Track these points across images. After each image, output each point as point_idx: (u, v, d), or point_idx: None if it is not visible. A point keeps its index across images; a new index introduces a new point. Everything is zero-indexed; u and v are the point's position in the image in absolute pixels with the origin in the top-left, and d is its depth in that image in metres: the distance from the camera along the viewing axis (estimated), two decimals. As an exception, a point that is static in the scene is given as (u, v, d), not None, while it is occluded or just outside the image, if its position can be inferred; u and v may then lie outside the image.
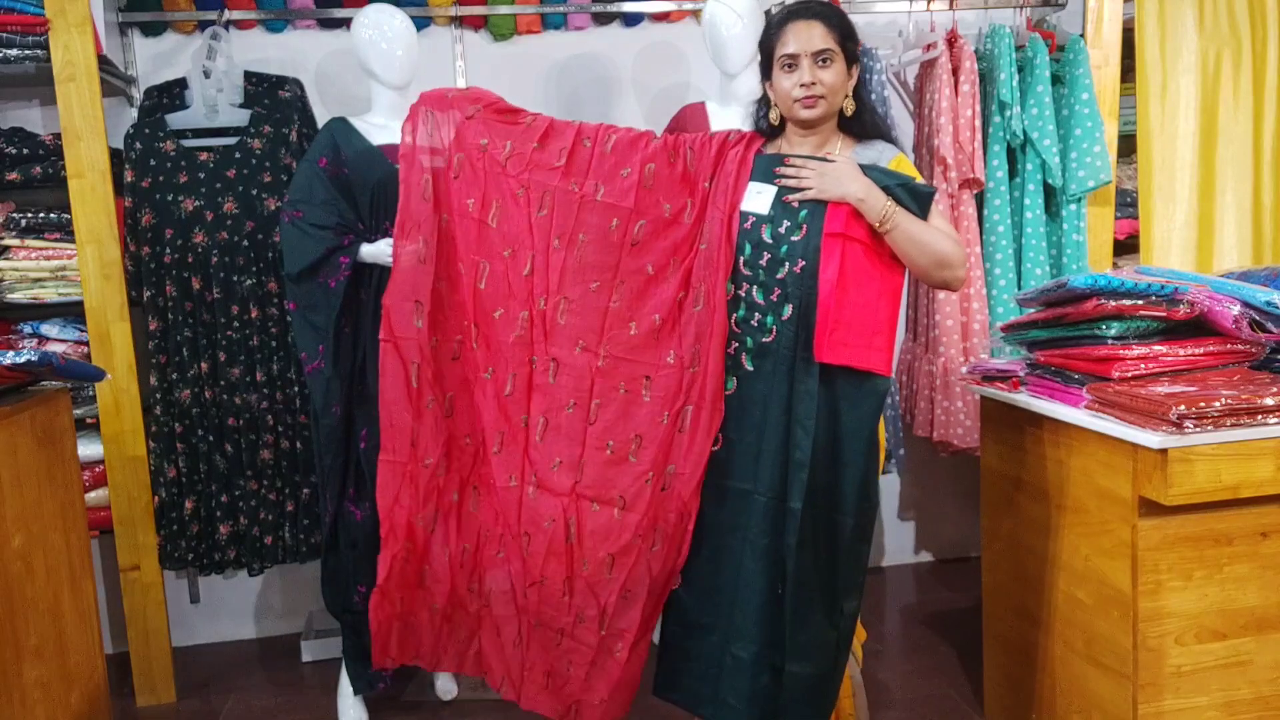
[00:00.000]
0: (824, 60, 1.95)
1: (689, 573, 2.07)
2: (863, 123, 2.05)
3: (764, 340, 1.97)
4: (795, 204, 1.95)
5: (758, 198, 1.99)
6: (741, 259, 1.99)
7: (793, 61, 1.96)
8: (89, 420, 2.77)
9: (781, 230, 1.95)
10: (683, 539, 2.05)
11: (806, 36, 1.94)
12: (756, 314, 1.98)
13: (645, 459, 2.03)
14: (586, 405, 2.06)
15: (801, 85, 1.95)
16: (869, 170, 1.94)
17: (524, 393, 2.09)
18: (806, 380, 1.93)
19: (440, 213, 2.10)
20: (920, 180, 1.98)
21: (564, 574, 2.06)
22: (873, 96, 2.90)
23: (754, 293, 1.98)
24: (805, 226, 1.94)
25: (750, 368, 1.99)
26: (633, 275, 2.06)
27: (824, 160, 1.96)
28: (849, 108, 2.02)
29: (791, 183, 1.96)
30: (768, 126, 2.07)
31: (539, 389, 2.09)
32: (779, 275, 1.95)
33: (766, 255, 1.96)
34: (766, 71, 2.04)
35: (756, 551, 1.98)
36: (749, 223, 1.99)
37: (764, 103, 2.09)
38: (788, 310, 1.94)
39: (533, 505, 2.08)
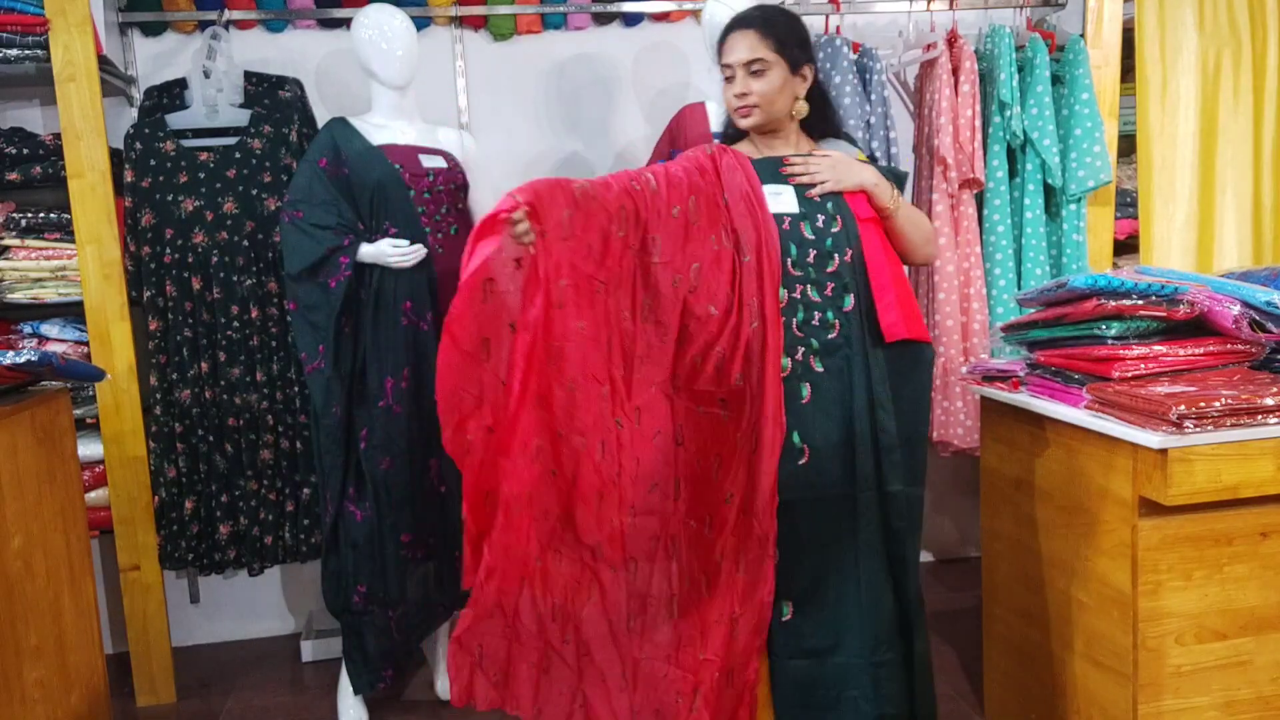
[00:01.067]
0: (756, 70, 1.98)
1: (798, 598, 1.98)
2: (821, 123, 2.11)
3: (830, 338, 1.95)
4: (817, 198, 1.99)
5: (778, 199, 1.98)
6: (789, 261, 1.96)
7: (730, 72, 2.01)
8: (89, 420, 2.77)
9: (820, 224, 1.97)
10: (762, 569, 1.95)
11: (739, 47, 1.99)
12: (816, 313, 1.96)
13: (725, 479, 1.96)
14: (671, 430, 1.98)
15: (736, 96, 2.00)
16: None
17: (615, 450, 1.97)
18: (879, 364, 1.96)
19: (528, 391, 1.81)
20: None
21: (668, 593, 2.00)
22: (872, 97, 2.90)
23: (809, 292, 1.96)
24: (839, 217, 1.98)
25: (821, 369, 1.95)
26: (697, 320, 1.94)
27: (818, 155, 2.02)
28: (800, 110, 2.05)
29: (805, 179, 1.99)
30: (731, 130, 2.12)
31: (626, 440, 1.97)
32: (829, 269, 1.96)
33: (813, 252, 1.96)
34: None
35: (871, 551, 1.96)
36: (785, 224, 1.97)
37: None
38: (849, 301, 1.96)
39: (634, 530, 1.98)
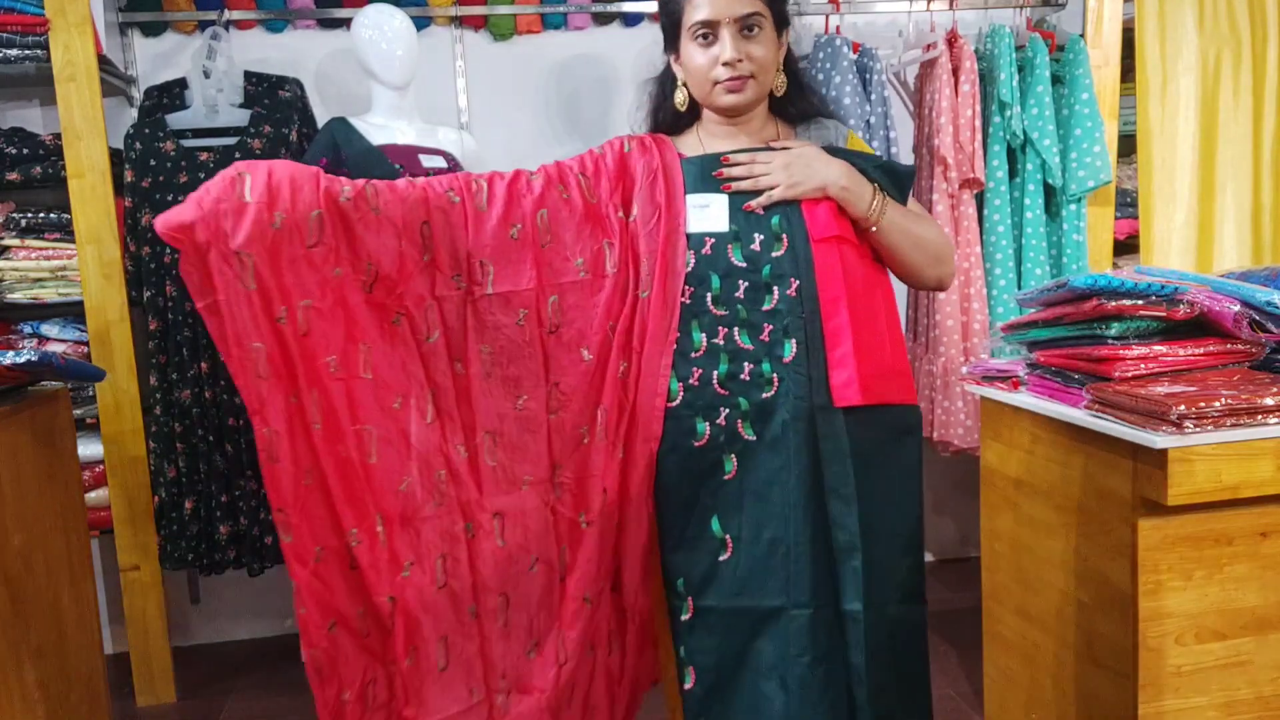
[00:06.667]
0: (750, 28, 1.47)
1: None
2: (802, 101, 1.61)
3: (764, 397, 1.49)
4: (760, 210, 1.52)
5: (704, 212, 1.52)
6: (709, 296, 1.52)
7: (710, 30, 1.48)
8: (89, 420, 2.77)
9: (755, 247, 1.51)
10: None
11: None
12: (746, 364, 1.50)
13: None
14: (554, 555, 1.53)
15: (725, 64, 1.48)
16: (835, 152, 1.54)
17: (466, 576, 1.51)
18: (832, 435, 1.47)
19: (287, 391, 1.43)
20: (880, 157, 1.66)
21: None
22: (872, 97, 2.90)
23: (737, 336, 1.51)
24: (785, 237, 1.51)
25: (751, 436, 1.50)
26: (568, 370, 1.53)
27: (773, 149, 1.54)
28: (780, 86, 1.57)
29: (746, 184, 1.51)
30: (670, 115, 1.61)
31: (483, 561, 1.52)
32: (766, 307, 1.50)
33: (744, 283, 1.51)
34: (671, 42, 1.57)
35: (810, 692, 1.46)
36: (707, 247, 1.52)
37: (663, 81, 1.62)
38: (789, 349, 1.49)
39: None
